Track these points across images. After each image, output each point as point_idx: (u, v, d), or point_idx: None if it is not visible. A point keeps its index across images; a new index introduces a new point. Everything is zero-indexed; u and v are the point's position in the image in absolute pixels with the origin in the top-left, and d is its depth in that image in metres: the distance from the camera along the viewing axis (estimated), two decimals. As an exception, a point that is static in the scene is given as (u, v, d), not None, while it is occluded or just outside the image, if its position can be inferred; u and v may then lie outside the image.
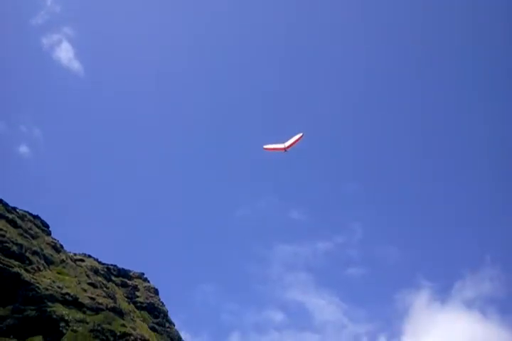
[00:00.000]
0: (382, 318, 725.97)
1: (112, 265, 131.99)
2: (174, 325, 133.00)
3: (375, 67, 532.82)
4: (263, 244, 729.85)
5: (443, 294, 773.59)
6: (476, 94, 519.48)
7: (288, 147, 64.52)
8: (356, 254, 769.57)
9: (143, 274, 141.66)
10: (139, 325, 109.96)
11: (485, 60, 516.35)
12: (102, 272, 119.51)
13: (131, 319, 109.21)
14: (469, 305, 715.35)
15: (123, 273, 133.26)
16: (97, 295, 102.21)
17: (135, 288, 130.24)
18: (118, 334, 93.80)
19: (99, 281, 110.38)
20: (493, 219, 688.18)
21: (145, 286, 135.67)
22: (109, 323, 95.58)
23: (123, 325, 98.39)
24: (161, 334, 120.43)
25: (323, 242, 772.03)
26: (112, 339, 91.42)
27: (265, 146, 66.84)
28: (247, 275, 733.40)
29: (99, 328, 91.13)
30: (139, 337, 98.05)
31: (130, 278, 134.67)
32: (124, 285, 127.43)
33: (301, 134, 65.63)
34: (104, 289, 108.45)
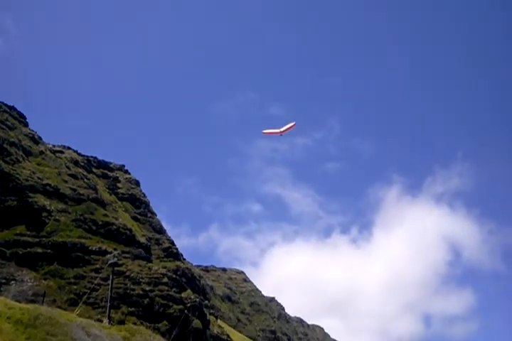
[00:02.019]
0: (355, 211, 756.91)
1: (91, 157, 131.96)
2: (156, 215, 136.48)
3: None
4: (242, 139, 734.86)
5: (414, 189, 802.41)
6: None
7: (283, 131, 75.12)
8: (333, 149, 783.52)
9: (123, 166, 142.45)
10: (121, 215, 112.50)
11: None
12: (82, 163, 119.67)
13: (113, 209, 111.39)
14: (438, 199, 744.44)
15: (103, 165, 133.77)
16: (78, 186, 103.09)
17: (116, 179, 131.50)
18: (100, 223, 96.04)
19: (80, 173, 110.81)
20: (466, 115, 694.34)
21: (126, 178, 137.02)
22: (92, 213, 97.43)
23: (105, 215, 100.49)
24: (143, 223, 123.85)
25: (302, 138, 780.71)
26: (94, 228, 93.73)
27: (264, 131, 78.32)
28: (227, 169, 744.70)
29: (81, 218, 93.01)
30: (121, 226, 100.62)
31: (111, 169, 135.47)
32: (104, 176, 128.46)
33: (293, 123, 76.52)
34: (85, 180, 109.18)
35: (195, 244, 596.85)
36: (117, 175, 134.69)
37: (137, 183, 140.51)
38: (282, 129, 75.33)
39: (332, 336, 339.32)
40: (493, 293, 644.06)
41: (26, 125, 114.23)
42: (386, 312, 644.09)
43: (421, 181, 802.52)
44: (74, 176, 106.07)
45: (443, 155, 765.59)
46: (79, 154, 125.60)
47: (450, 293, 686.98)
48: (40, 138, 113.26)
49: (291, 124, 76.14)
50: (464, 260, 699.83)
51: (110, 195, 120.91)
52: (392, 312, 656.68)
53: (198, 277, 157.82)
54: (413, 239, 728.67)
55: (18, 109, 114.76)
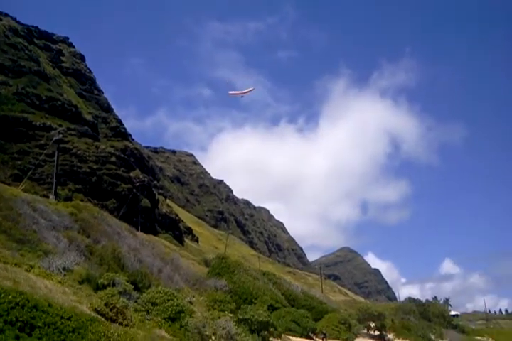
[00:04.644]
0: (303, 101, 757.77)
1: (32, 26, 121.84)
2: (103, 93, 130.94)
3: None
4: (193, 19, 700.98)
5: (360, 82, 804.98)
6: None
7: (244, 93, 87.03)
8: (286, 37, 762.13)
9: (67, 38, 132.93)
10: (66, 91, 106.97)
11: None
12: (22, 33, 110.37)
13: (57, 84, 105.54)
14: (383, 93, 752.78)
15: (46, 36, 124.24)
16: (19, 58, 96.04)
17: (60, 52, 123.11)
18: (44, 98, 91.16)
19: (20, 43, 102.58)
20: (418, 10, 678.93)
21: (70, 51, 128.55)
22: (34, 87, 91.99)
23: (49, 90, 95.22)
24: (90, 101, 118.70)
25: (255, 22, 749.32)
26: (37, 103, 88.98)
27: (229, 92, 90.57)
28: (177, 51, 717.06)
29: (23, 92, 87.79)
30: (66, 102, 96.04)
31: (54, 41, 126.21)
32: (47, 48, 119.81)
33: (253, 88, 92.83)
34: (26, 52, 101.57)
35: (142, 126, 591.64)
36: (61, 47, 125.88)
37: (82, 58, 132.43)
38: (244, 91, 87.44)
39: (276, 217, 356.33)
40: (427, 184, 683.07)
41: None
42: (327, 198, 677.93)
43: (368, 75, 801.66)
44: (14, 46, 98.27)
45: (391, 50, 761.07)
46: (18, 22, 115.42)
47: (387, 183, 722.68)
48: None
49: (251, 89, 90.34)
50: (402, 153, 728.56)
51: (54, 68, 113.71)
52: (333, 198, 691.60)
53: (147, 158, 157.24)
54: (356, 130, 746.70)
55: None
